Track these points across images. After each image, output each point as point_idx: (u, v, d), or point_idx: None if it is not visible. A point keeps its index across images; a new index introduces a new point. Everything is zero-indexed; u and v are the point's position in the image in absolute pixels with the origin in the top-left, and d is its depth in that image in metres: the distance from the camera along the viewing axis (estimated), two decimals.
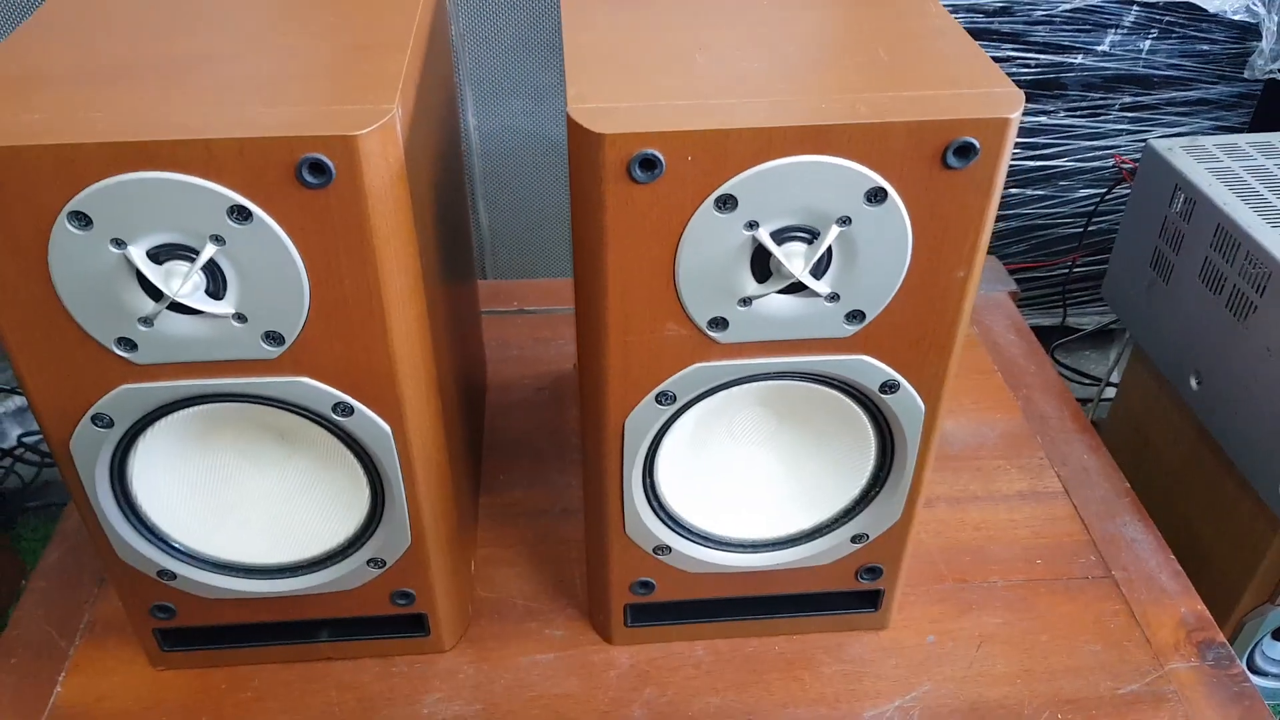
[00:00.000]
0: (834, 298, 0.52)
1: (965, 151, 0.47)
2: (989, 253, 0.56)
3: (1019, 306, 1.06)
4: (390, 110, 0.46)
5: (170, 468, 0.58)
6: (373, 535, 0.61)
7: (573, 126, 0.46)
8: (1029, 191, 1.47)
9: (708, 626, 0.69)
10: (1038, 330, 1.03)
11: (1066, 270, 1.50)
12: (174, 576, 0.61)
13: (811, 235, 0.49)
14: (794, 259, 0.49)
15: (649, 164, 0.46)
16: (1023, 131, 1.42)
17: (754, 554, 0.65)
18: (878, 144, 0.46)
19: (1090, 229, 1.47)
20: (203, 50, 0.52)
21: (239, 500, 0.61)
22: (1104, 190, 1.42)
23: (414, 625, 0.67)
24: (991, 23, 1.34)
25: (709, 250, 0.49)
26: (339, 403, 0.53)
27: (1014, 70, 1.36)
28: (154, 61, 0.51)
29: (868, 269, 0.51)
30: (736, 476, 0.64)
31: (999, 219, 1.46)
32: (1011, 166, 1.44)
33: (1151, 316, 1.10)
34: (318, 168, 0.45)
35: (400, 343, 0.52)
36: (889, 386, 0.56)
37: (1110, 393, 1.40)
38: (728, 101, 0.47)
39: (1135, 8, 1.34)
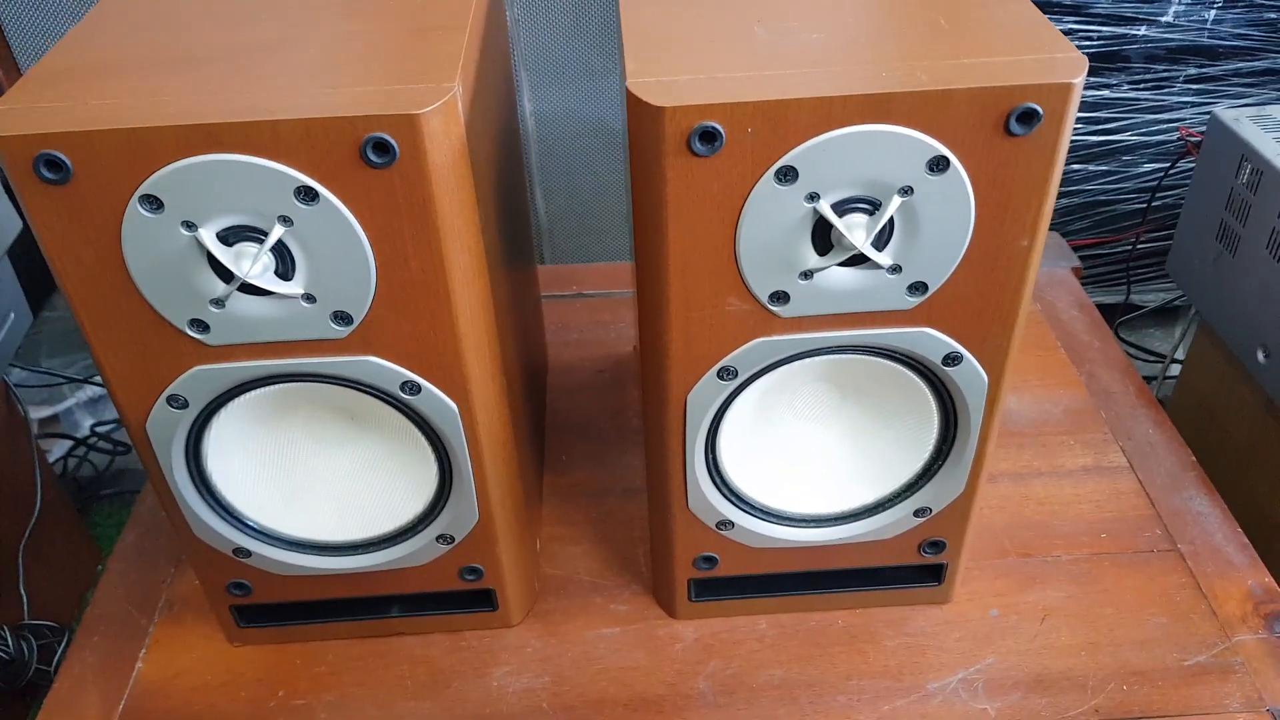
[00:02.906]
0: (896, 269, 0.51)
1: (1028, 118, 0.46)
2: (1051, 229, 0.55)
3: (1082, 284, 1.05)
4: (451, 89, 0.46)
5: (243, 448, 0.60)
6: (441, 512, 0.62)
7: (632, 101, 0.46)
8: (1091, 167, 1.44)
9: (770, 601, 0.70)
10: (1101, 308, 1.01)
11: (1130, 246, 1.47)
12: (249, 554, 0.63)
13: (873, 206, 0.49)
14: (855, 230, 0.49)
15: (709, 136, 0.46)
16: (1085, 106, 1.39)
17: (816, 529, 0.65)
18: (939, 112, 0.46)
19: (1154, 204, 1.44)
20: (265, 37, 0.53)
21: (311, 479, 0.62)
22: (1168, 164, 1.39)
23: (482, 600, 0.68)
24: None
25: (770, 223, 0.49)
26: (406, 381, 0.54)
27: (1076, 43, 1.33)
28: (218, 49, 0.52)
29: (930, 239, 0.50)
30: (799, 451, 0.64)
31: (1061, 195, 1.44)
32: (1074, 142, 1.41)
33: (1217, 290, 1.08)
34: (382, 147, 0.45)
35: (465, 321, 0.53)
36: (952, 359, 0.56)
37: (1175, 370, 1.37)
38: (787, 72, 0.47)
39: None
